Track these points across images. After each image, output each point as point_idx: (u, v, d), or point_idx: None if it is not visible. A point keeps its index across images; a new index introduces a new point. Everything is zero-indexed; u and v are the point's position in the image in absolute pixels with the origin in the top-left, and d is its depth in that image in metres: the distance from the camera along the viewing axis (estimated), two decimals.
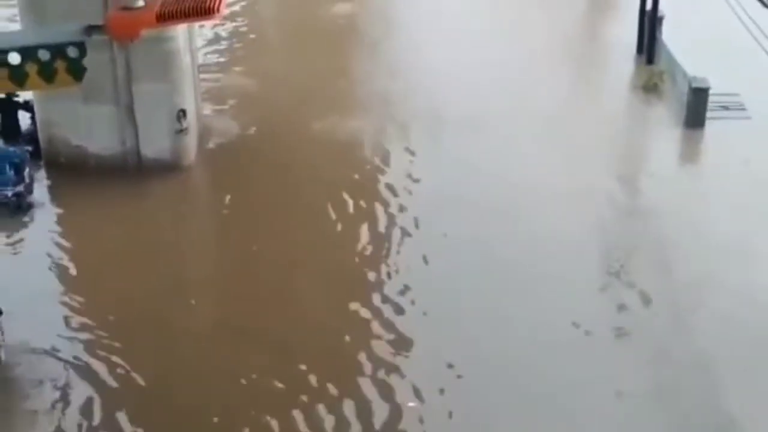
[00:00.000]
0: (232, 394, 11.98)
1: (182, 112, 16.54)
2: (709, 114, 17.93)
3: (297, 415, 11.69)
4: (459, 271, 14.19)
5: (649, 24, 20.26)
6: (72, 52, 7.32)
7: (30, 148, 17.02)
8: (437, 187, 16.36)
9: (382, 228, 15.37)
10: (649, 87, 19.43)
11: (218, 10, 7.13)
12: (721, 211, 15.43)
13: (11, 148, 16.69)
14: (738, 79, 18.66)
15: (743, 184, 16.15)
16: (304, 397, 11.93)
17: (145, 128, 16.51)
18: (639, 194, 16.67)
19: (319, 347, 12.80)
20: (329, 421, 11.63)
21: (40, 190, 16.48)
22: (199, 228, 16.17)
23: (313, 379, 12.22)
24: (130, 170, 16.55)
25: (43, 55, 7.36)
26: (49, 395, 12.11)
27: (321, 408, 11.79)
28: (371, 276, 14.25)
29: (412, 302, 13.65)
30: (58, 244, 15.22)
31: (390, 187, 16.42)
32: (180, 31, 16.27)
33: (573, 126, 18.09)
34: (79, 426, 11.68)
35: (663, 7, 19.95)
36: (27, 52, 7.34)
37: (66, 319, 13.52)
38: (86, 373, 12.47)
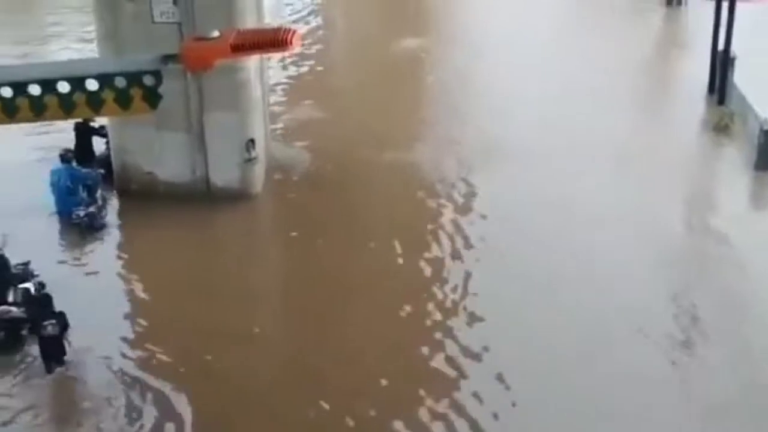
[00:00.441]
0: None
1: (251, 142, 16.77)
2: None
3: None
4: (521, 306, 14.05)
5: (721, 64, 20.09)
6: (148, 80, 7.44)
7: (103, 171, 17.45)
8: (503, 220, 16.29)
9: (446, 260, 15.32)
10: (719, 128, 19.19)
11: (291, 42, 7.21)
12: None
13: (85, 170, 17.09)
14: None
15: None
16: None
17: (215, 157, 16.77)
18: (707, 235, 16.39)
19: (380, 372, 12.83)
20: None
21: (111, 214, 16.81)
22: (265, 256, 16.26)
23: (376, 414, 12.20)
24: (199, 198, 16.76)
25: (120, 82, 7.47)
26: (114, 414, 12.28)
27: None
28: (432, 308, 14.18)
29: (481, 345, 13.43)
30: (126, 266, 15.48)
31: (456, 221, 16.39)
32: (252, 62, 16.55)
33: (641, 163, 17.91)
34: None
35: (735, 48, 19.77)
36: (104, 79, 7.46)
37: (130, 339, 13.73)
38: (147, 394, 12.59)
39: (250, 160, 16.84)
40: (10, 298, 13.74)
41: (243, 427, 12.05)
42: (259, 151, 17.07)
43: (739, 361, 12.87)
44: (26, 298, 13.68)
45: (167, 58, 7.61)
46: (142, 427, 12.07)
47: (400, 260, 15.37)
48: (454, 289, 14.56)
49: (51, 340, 12.95)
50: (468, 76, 22.15)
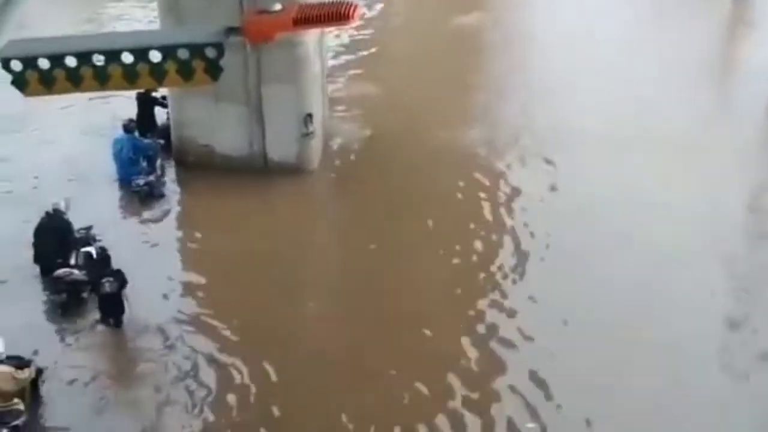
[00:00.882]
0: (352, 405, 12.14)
1: (309, 116, 16.81)
2: None
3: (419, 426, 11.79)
4: (576, 289, 14.00)
5: None
6: (210, 52, 7.51)
7: (162, 142, 17.66)
8: (563, 203, 16.16)
9: (501, 238, 15.30)
10: None
11: (353, 17, 7.23)
12: None
13: (145, 141, 17.33)
14: None
15: None
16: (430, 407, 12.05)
17: (273, 131, 16.85)
18: None
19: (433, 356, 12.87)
20: None
21: (170, 184, 17.09)
22: (320, 231, 16.38)
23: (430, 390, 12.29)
24: (256, 171, 16.88)
25: (183, 54, 7.56)
26: (171, 380, 12.62)
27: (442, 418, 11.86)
28: (490, 287, 14.21)
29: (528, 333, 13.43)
30: (183, 234, 15.88)
31: (511, 200, 16.35)
32: (311, 36, 16.56)
33: (706, 150, 17.50)
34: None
35: None
36: (168, 51, 7.56)
37: (185, 306, 14.05)
38: (202, 360, 12.90)
39: (307, 135, 16.88)
40: (72, 261, 14.10)
41: (300, 395, 12.22)
42: (317, 126, 17.11)
43: None
44: (88, 262, 14.00)
45: (230, 31, 7.69)
46: (198, 392, 12.37)
47: (455, 243, 15.30)
48: (507, 275, 14.57)
49: (109, 297, 13.24)
50: (528, 56, 21.89)
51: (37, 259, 14.34)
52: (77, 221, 14.79)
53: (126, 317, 13.44)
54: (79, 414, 12.08)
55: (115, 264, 13.84)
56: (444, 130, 18.41)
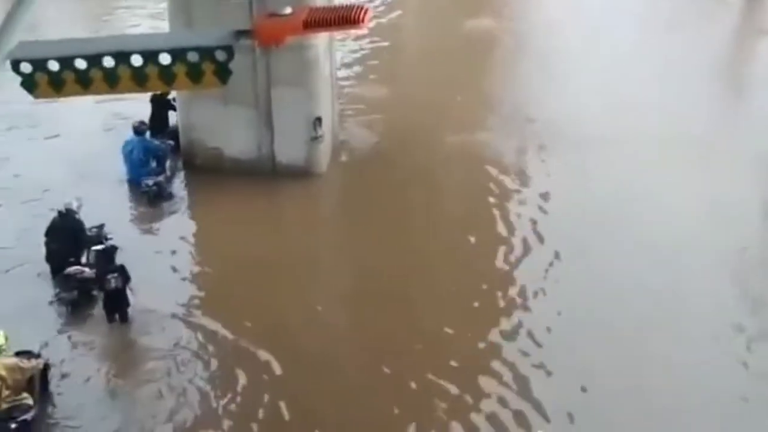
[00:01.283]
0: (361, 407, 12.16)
1: (318, 120, 16.80)
2: None
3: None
4: (585, 296, 13.95)
5: None
6: (220, 55, 7.48)
7: (172, 143, 17.69)
8: (572, 206, 16.10)
9: (511, 243, 15.24)
10: None
11: (364, 20, 7.20)
12: None
13: (156, 142, 17.38)
14: None
15: None
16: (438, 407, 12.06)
17: (281, 134, 16.84)
18: None
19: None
20: None
21: (179, 185, 17.14)
22: (327, 236, 16.33)
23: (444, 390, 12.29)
24: (264, 175, 16.87)
25: (192, 56, 7.54)
26: (178, 374, 12.68)
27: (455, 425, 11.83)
28: (502, 292, 14.16)
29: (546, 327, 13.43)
30: (190, 234, 15.90)
31: (522, 205, 16.29)
32: (321, 40, 16.55)
33: (720, 153, 17.44)
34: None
35: None
36: (177, 54, 7.53)
37: (191, 303, 14.12)
38: (207, 357, 12.95)
39: (316, 139, 16.87)
40: (84, 260, 14.16)
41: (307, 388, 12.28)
42: (326, 130, 17.09)
43: None
44: (97, 259, 14.05)
45: (240, 34, 7.65)
46: (205, 390, 12.40)
47: (466, 244, 15.27)
48: (518, 278, 14.51)
49: (115, 293, 13.34)
50: (542, 57, 21.82)
51: (50, 258, 14.38)
52: (86, 221, 14.84)
53: (132, 313, 13.50)
54: (87, 409, 12.13)
55: (124, 263, 13.84)
56: (454, 134, 18.39)
